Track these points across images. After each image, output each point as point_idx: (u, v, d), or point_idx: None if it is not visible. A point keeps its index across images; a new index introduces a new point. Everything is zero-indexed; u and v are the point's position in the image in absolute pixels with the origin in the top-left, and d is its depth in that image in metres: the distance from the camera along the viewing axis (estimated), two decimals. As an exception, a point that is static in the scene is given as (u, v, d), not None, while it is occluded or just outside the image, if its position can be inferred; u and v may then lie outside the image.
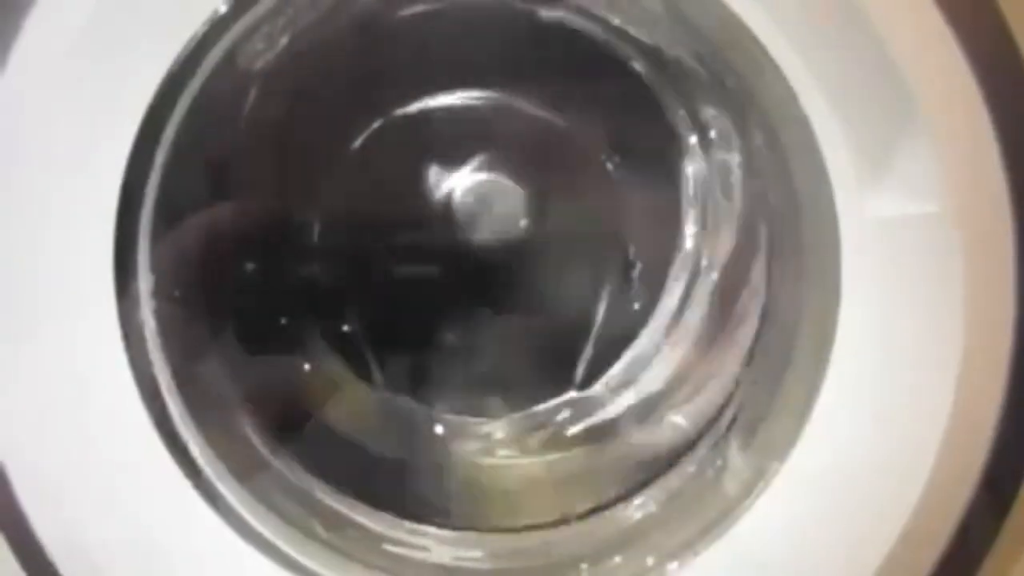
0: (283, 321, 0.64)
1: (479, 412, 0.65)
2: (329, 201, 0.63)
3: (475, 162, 0.63)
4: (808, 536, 0.45)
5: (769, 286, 0.56)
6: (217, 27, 0.45)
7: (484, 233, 0.62)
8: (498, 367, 0.65)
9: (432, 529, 0.55)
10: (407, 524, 0.54)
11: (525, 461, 0.64)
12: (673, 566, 0.46)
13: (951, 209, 0.43)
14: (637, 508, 0.54)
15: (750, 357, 0.55)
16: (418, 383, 0.65)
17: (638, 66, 0.62)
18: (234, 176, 0.60)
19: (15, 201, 0.43)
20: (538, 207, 0.62)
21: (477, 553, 0.54)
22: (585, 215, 0.65)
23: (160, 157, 0.46)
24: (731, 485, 0.48)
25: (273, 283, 0.63)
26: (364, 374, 0.65)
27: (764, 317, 0.55)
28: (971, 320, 0.43)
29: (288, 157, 0.61)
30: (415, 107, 0.63)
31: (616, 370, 0.66)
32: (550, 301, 0.65)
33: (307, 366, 0.64)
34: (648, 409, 0.63)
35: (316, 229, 0.64)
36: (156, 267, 0.48)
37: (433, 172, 0.63)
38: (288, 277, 0.64)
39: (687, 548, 0.46)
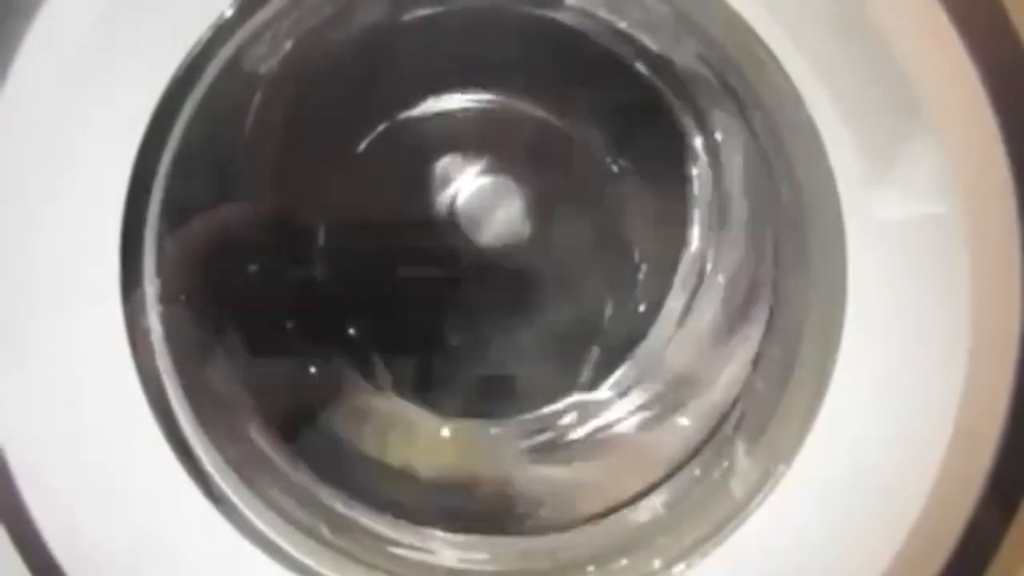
0: (289, 324, 0.64)
1: (485, 414, 0.65)
2: (334, 204, 0.63)
3: (480, 165, 0.63)
4: (814, 539, 0.45)
5: (775, 288, 0.56)
6: (223, 31, 0.45)
7: (489, 236, 0.62)
8: (504, 370, 0.65)
9: (438, 532, 0.55)
10: (413, 527, 0.54)
11: (531, 464, 0.63)
12: (679, 568, 0.46)
13: (957, 210, 0.43)
14: (643, 511, 0.54)
15: (756, 359, 0.55)
16: (424, 386, 0.65)
17: (643, 68, 0.62)
18: (239, 179, 0.60)
19: (22, 204, 0.43)
20: (543, 209, 0.62)
21: (483, 556, 0.54)
22: (590, 217, 0.65)
23: (166, 160, 0.46)
24: (737, 488, 0.48)
25: (279, 286, 0.63)
26: (370, 377, 0.65)
27: (770, 319, 0.55)
28: (977, 322, 0.43)
29: (293, 160, 0.61)
30: (420, 110, 0.63)
31: (622, 372, 0.66)
32: (556, 303, 0.65)
33: (313, 369, 0.64)
34: (654, 411, 0.63)
35: (321, 232, 0.64)
36: (162, 271, 0.48)
37: (438, 175, 0.63)
38: (294, 280, 0.64)
39: (694, 551, 0.46)
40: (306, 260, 0.64)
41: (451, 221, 0.62)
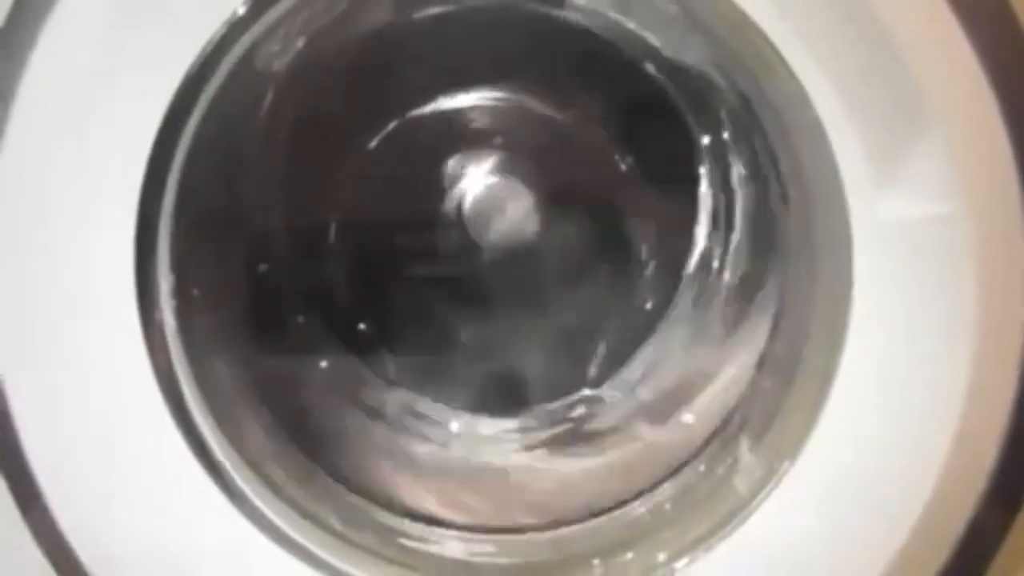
0: (300, 319, 0.64)
1: (494, 410, 0.65)
2: (345, 201, 0.63)
3: (489, 162, 0.63)
4: (816, 536, 0.45)
5: (781, 287, 0.56)
6: (236, 28, 0.45)
7: (498, 233, 0.62)
8: (513, 365, 0.65)
9: (447, 525, 0.55)
10: (422, 519, 0.55)
11: (539, 458, 0.64)
12: (683, 562, 0.47)
13: (962, 211, 0.43)
14: (649, 505, 0.55)
15: (761, 357, 0.56)
16: (433, 381, 0.65)
17: (651, 68, 0.62)
18: (252, 176, 0.61)
19: (38, 201, 0.43)
20: (551, 207, 0.63)
21: (491, 548, 0.54)
22: (598, 215, 0.65)
23: (180, 157, 0.47)
24: (741, 484, 0.49)
25: (290, 282, 0.64)
26: (380, 372, 0.65)
27: (776, 318, 0.55)
28: (983, 321, 0.43)
29: (304, 157, 0.62)
30: (430, 109, 0.64)
31: (629, 369, 0.66)
32: (564, 300, 0.65)
33: (323, 364, 0.65)
34: (660, 407, 0.63)
35: (332, 229, 0.64)
36: (176, 267, 0.48)
37: (448, 172, 0.64)
38: (304, 276, 0.64)
39: (698, 545, 0.47)
40: (317, 256, 0.64)
41: (460, 218, 0.63)
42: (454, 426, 0.66)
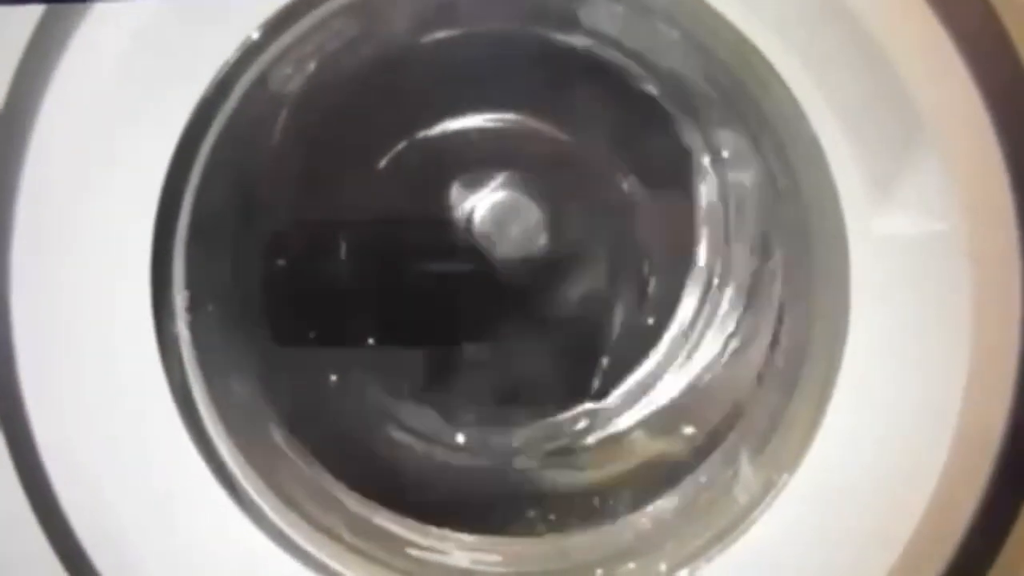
0: (311, 334, 0.65)
1: (499, 422, 0.66)
2: (355, 219, 0.64)
3: (495, 181, 0.64)
4: (816, 546, 0.45)
5: (781, 301, 0.56)
6: (249, 53, 0.46)
7: (504, 250, 0.63)
8: (517, 379, 0.66)
9: (453, 534, 0.55)
10: (430, 529, 0.55)
11: (542, 470, 0.64)
12: (684, 573, 0.47)
13: (959, 227, 0.43)
14: (651, 516, 0.55)
15: (761, 370, 0.56)
16: (439, 393, 0.66)
17: (653, 89, 0.63)
18: (264, 195, 0.62)
19: (57, 217, 0.44)
20: (556, 225, 0.63)
21: (495, 558, 0.55)
22: (601, 232, 0.66)
23: (195, 175, 0.48)
24: (742, 495, 0.49)
25: (300, 297, 0.64)
26: (388, 385, 0.66)
27: (775, 332, 0.56)
28: (978, 336, 0.44)
29: (316, 177, 0.63)
30: (438, 129, 0.65)
31: (631, 382, 0.66)
32: (567, 315, 0.66)
33: (334, 376, 0.65)
34: (662, 420, 0.63)
35: (343, 245, 0.65)
36: (191, 283, 0.49)
37: (455, 191, 0.65)
38: (316, 292, 0.65)
39: (699, 556, 0.47)
40: (328, 273, 0.65)
41: (468, 235, 0.63)
42: (459, 438, 0.66)
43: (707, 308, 0.65)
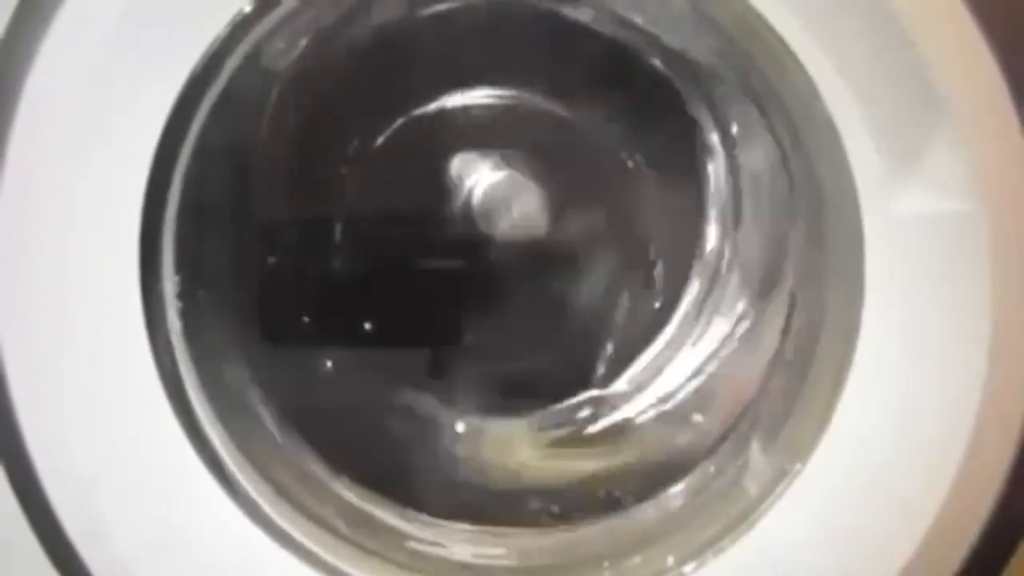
0: (305, 319, 0.64)
1: (500, 410, 0.65)
2: (351, 199, 0.63)
3: (496, 160, 0.63)
4: (828, 539, 0.45)
5: (792, 286, 0.55)
6: (241, 27, 0.45)
7: (505, 231, 0.62)
8: (519, 365, 0.65)
9: (453, 527, 0.55)
10: (430, 522, 0.54)
11: (546, 459, 0.64)
12: (692, 566, 0.46)
13: (978, 207, 0.42)
14: (658, 507, 0.54)
15: (773, 357, 0.55)
16: (440, 381, 0.65)
17: (660, 64, 0.62)
18: (257, 175, 0.61)
19: (42, 202, 0.43)
20: (559, 205, 0.62)
21: (498, 551, 0.54)
22: (606, 213, 0.65)
23: (184, 157, 0.46)
24: (752, 486, 0.48)
25: (295, 281, 0.64)
26: (386, 371, 0.65)
27: (787, 317, 0.55)
28: (998, 320, 0.43)
29: (310, 156, 0.62)
30: (436, 106, 0.63)
31: (637, 368, 0.65)
32: (571, 299, 0.65)
33: (329, 363, 0.64)
34: (669, 408, 0.63)
35: (338, 227, 0.64)
36: (181, 268, 0.48)
37: (455, 170, 0.63)
38: (310, 275, 0.64)
39: (707, 548, 0.46)
40: (323, 255, 0.64)
41: (467, 216, 0.62)
42: (460, 426, 0.65)
43: (716, 292, 0.64)
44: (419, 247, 0.63)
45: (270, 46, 0.52)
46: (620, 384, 0.65)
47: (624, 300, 0.66)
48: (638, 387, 0.65)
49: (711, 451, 0.55)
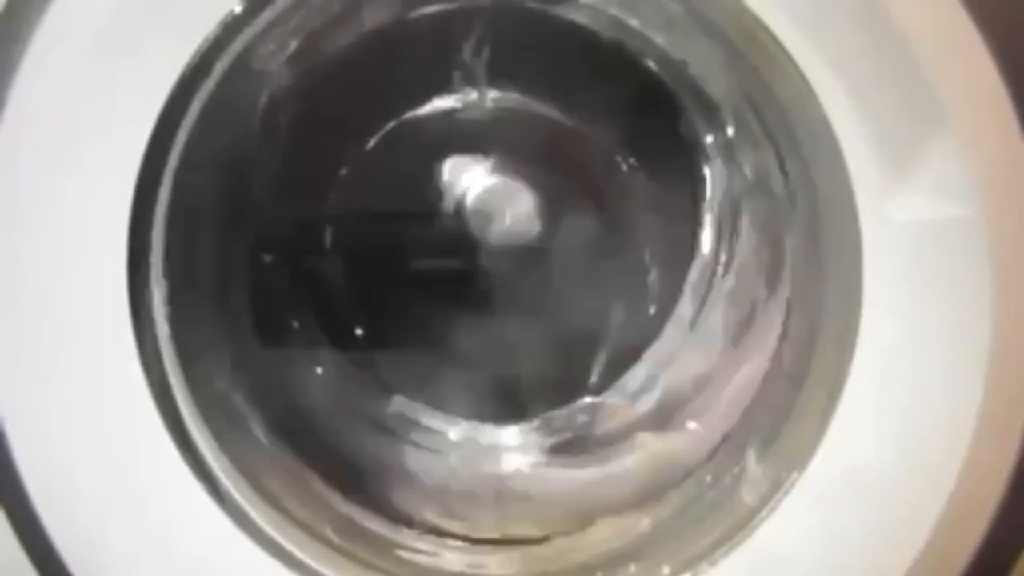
0: (295, 324, 0.64)
1: (493, 418, 0.65)
2: (342, 203, 0.63)
3: (489, 164, 0.63)
4: (825, 548, 0.44)
5: (789, 292, 0.55)
6: (231, 28, 0.45)
7: (498, 236, 0.61)
8: (513, 372, 0.64)
9: (445, 536, 0.54)
10: (420, 531, 0.54)
11: (540, 468, 0.63)
12: (686, 576, 0.46)
13: (977, 212, 0.42)
14: (653, 516, 0.54)
15: (769, 363, 0.55)
16: (432, 388, 0.64)
17: (654, 67, 0.61)
18: (247, 178, 0.60)
19: (30, 206, 0.43)
20: (552, 209, 0.62)
21: (490, 560, 0.54)
22: (600, 218, 0.64)
23: (173, 160, 0.46)
24: (748, 494, 0.48)
25: (286, 286, 0.63)
26: (377, 378, 0.65)
27: (783, 323, 0.55)
28: (998, 326, 0.42)
29: (301, 159, 0.61)
30: (428, 109, 0.63)
31: (632, 376, 0.65)
32: (565, 305, 0.64)
33: (319, 369, 0.64)
34: (665, 415, 0.62)
35: (329, 231, 0.64)
36: (169, 273, 0.47)
37: (447, 174, 0.63)
38: (301, 280, 0.64)
39: (703, 558, 0.46)
40: (314, 259, 0.64)
41: (460, 221, 0.62)
42: (453, 434, 0.65)
43: (711, 298, 0.64)
44: (411, 251, 0.63)
45: (261, 47, 0.52)
46: (615, 391, 0.65)
47: (618, 306, 0.65)
48: (632, 395, 0.64)
49: (707, 460, 0.55)
